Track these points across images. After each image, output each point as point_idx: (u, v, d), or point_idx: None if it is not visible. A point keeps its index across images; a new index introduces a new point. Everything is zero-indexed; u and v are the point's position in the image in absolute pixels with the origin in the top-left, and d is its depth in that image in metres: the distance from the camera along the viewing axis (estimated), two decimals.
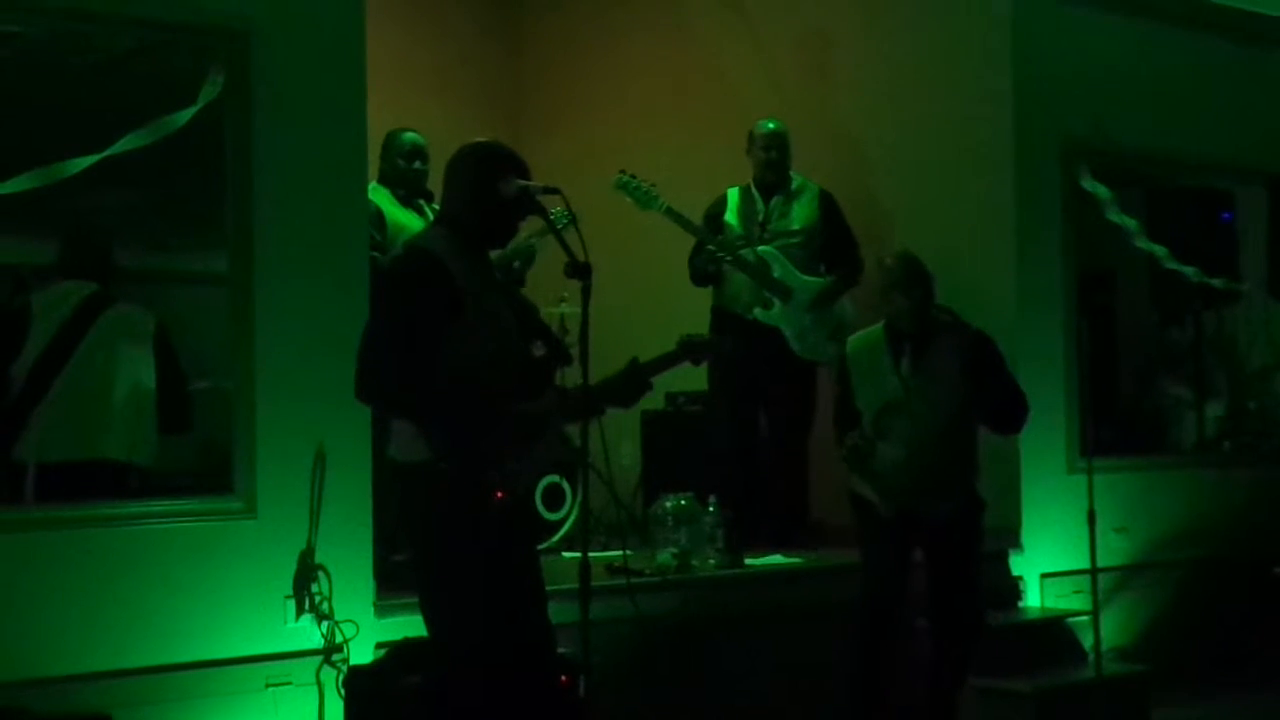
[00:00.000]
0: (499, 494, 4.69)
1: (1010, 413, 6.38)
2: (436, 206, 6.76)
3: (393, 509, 5.00)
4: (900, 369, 6.26)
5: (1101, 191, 8.55)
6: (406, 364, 4.59)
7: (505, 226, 4.93)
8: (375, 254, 6.42)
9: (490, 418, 4.68)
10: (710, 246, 7.80)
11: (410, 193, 7.00)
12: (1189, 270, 9.12)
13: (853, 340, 6.53)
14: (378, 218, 6.70)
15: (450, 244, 4.78)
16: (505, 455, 4.70)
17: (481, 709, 4.68)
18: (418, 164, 7.00)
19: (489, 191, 4.82)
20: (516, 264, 7.15)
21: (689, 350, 5.26)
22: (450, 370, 4.63)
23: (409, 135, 7.06)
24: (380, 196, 6.86)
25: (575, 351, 4.87)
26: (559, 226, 4.98)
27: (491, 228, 4.89)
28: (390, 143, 7.06)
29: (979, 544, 6.47)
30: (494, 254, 5.39)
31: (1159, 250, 8.99)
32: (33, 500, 5.82)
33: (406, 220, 6.89)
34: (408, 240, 5.29)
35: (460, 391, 4.65)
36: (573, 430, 4.97)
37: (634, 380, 4.99)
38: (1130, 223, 8.78)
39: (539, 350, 5.07)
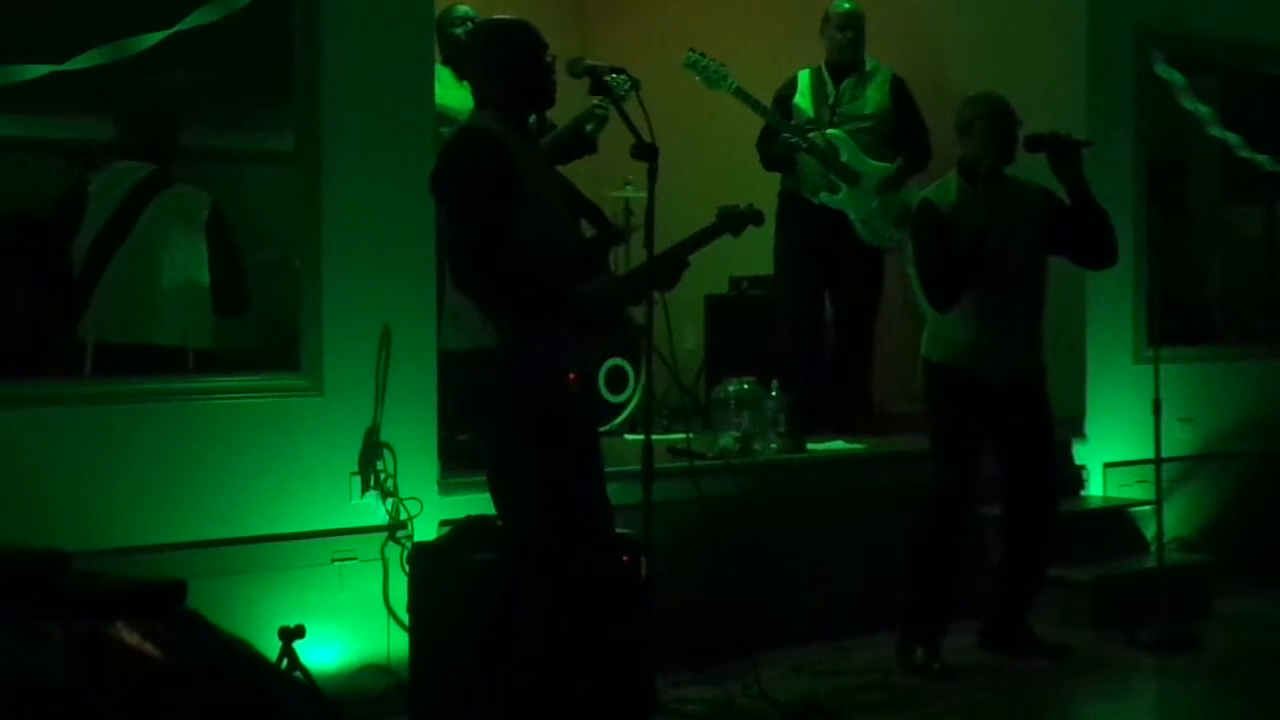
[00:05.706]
0: (571, 376, 4.71)
1: (1104, 231, 6.27)
2: None
3: (453, 396, 4.99)
4: (993, 214, 6.02)
5: (1175, 78, 8.42)
6: (491, 248, 4.59)
7: (550, 95, 4.96)
8: None
9: (559, 299, 4.69)
10: (784, 134, 7.73)
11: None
12: (1262, 159, 8.98)
13: (929, 192, 6.26)
14: None
15: (500, 126, 4.81)
16: (574, 337, 4.72)
17: (550, 588, 4.75)
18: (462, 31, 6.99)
19: (533, 69, 4.85)
20: (589, 127, 7.03)
21: (728, 221, 5.21)
22: (508, 251, 4.63)
23: (461, 9, 7.15)
24: (439, 75, 6.80)
25: (639, 235, 4.87)
26: (620, 93, 4.94)
27: (538, 99, 4.95)
28: (444, 17, 7.05)
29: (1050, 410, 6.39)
30: (565, 122, 5.30)
31: (1232, 138, 8.86)
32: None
33: (456, 102, 6.85)
34: (461, 124, 5.26)
35: (531, 273, 4.66)
36: (637, 311, 4.97)
37: (668, 261, 4.94)
38: (1204, 110, 8.65)
39: (588, 231, 5.04)
